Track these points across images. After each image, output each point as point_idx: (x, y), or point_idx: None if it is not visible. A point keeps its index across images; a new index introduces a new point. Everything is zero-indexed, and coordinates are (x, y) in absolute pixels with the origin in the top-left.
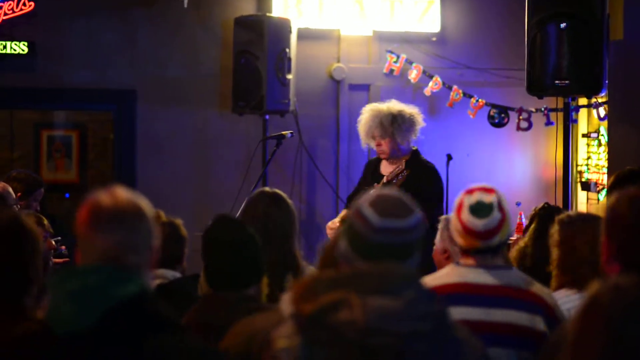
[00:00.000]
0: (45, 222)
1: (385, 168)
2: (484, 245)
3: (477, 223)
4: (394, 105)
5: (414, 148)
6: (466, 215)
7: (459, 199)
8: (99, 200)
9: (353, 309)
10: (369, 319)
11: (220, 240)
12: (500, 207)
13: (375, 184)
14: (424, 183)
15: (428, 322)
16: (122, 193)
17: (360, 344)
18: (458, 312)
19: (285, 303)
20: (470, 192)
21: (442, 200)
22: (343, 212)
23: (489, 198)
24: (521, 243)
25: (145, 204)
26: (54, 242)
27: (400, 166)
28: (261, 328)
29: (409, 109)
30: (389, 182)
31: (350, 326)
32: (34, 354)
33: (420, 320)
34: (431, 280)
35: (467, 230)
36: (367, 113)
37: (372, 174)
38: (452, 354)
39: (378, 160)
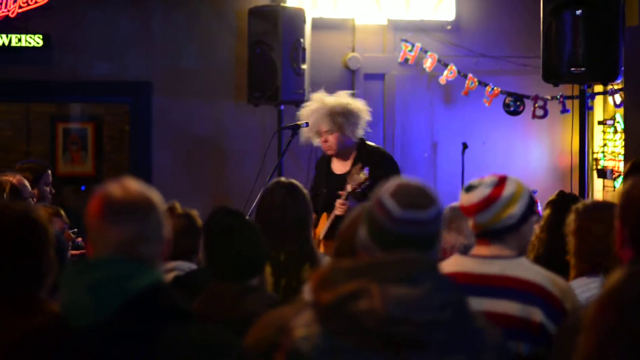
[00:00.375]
0: (63, 213)
1: (337, 166)
2: (478, 222)
3: (464, 198)
4: (340, 98)
5: (359, 139)
6: (461, 195)
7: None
8: (110, 192)
9: (373, 298)
10: (389, 308)
11: (219, 231)
12: (488, 189)
13: (340, 191)
14: (382, 175)
15: (447, 312)
16: (133, 184)
17: (380, 332)
18: None
19: (307, 293)
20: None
21: None
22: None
23: (480, 180)
24: (536, 232)
25: (155, 195)
26: (71, 234)
27: (364, 176)
28: (290, 319)
29: (356, 102)
30: (354, 192)
31: (370, 315)
32: (49, 347)
33: (440, 310)
34: None
35: (462, 209)
36: (312, 106)
37: (327, 175)
38: (471, 342)
39: (328, 158)
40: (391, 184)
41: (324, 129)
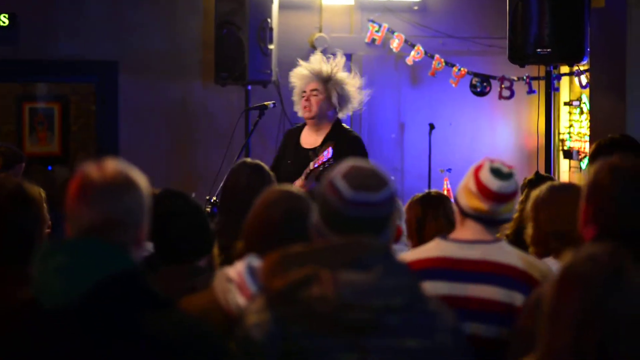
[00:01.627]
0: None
1: (306, 139)
2: (491, 209)
3: (495, 182)
4: (339, 68)
5: (337, 117)
6: (486, 174)
7: (478, 163)
8: (89, 174)
9: (324, 283)
10: (341, 293)
11: (164, 213)
12: (517, 183)
13: (305, 169)
14: (343, 149)
15: (400, 296)
16: (114, 166)
17: (332, 318)
18: (434, 287)
19: (232, 272)
20: (491, 160)
21: None
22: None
23: (509, 169)
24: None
25: (138, 177)
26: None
27: (328, 154)
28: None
29: (351, 78)
30: (315, 170)
31: (321, 301)
32: (19, 326)
33: (392, 294)
34: (412, 254)
35: (481, 189)
36: (307, 65)
37: (295, 147)
38: (425, 326)
39: (298, 130)
40: (343, 166)
41: (310, 88)
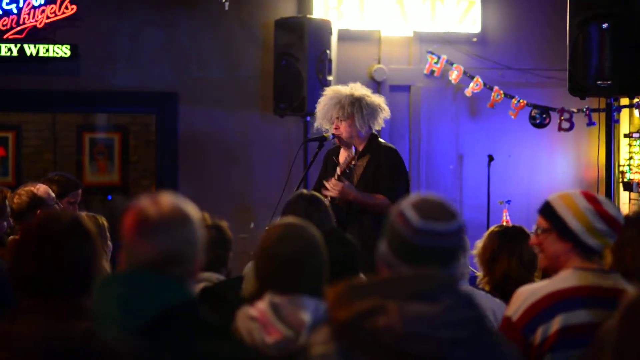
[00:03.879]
0: (105, 222)
1: (343, 157)
2: (611, 241)
3: (620, 216)
4: (357, 88)
5: (372, 132)
6: (612, 209)
7: (588, 194)
8: (145, 208)
9: (390, 314)
10: (407, 325)
11: None
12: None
13: (330, 177)
14: (385, 167)
15: (466, 329)
16: (168, 200)
17: (398, 350)
18: (584, 315)
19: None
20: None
21: (409, 184)
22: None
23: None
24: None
25: (192, 210)
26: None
27: (350, 154)
28: None
29: (373, 96)
30: (344, 173)
31: (387, 332)
32: (81, 358)
33: (459, 327)
34: (548, 286)
35: (613, 223)
36: (327, 94)
37: (333, 167)
38: (491, 359)
39: (336, 150)
40: (414, 197)
41: (335, 116)
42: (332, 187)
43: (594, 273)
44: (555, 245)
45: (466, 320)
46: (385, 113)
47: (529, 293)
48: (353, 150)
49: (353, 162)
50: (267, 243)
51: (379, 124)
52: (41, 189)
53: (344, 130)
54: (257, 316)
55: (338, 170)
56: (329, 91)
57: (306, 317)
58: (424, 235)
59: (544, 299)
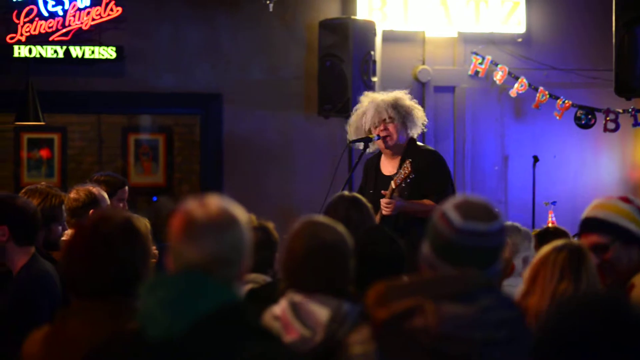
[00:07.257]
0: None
1: (386, 167)
2: None
3: None
4: (392, 93)
5: (411, 137)
6: None
7: (620, 198)
8: (192, 211)
9: (427, 315)
10: (443, 325)
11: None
12: None
13: (383, 190)
14: (429, 170)
15: (503, 330)
16: (216, 203)
17: (434, 350)
18: None
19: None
20: None
21: (454, 184)
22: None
23: None
24: None
25: (239, 213)
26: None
27: (406, 169)
28: None
29: (412, 102)
30: (398, 187)
31: (424, 332)
32: (128, 357)
33: (495, 328)
34: None
35: None
36: (366, 101)
37: (375, 176)
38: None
39: (376, 160)
40: (456, 198)
41: (384, 117)
42: (385, 206)
43: None
44: (627, 254)
45: (503, 322)
46: (421, 115)
47: None
48: (409, 166)
49: (411, 176)
50: (287, 241)
51: (416, 131)
52: (99, 190)
53: (393, 131)
54: (279, 315)
55: (393, 184)
56: (367, 97)
57: (324, 316)
58: (465, 235)
59: None
